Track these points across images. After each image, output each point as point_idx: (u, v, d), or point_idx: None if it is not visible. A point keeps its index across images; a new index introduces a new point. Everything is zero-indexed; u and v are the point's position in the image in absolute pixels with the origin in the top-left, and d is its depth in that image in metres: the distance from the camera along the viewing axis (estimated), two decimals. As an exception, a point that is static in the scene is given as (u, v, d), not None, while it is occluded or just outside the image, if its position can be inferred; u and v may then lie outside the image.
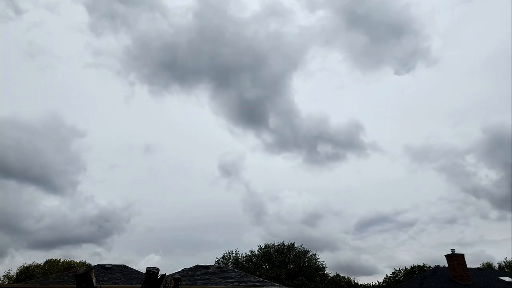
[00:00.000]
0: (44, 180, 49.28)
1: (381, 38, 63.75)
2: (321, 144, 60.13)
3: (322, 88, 74.52)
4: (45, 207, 50.42)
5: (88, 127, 66.74)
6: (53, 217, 50.23)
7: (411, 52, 64.58)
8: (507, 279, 24.87)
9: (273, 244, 41.20)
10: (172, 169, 64.04)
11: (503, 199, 52.36)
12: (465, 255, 24.03)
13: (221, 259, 41.24)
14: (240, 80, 53.42)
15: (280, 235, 55.04)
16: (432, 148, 64.59)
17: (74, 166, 52.11)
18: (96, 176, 59.54)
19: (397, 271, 42.57)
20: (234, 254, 41.74)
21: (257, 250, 41.26)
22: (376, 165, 65.78)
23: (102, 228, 49.12)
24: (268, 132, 59.13)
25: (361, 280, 31.81)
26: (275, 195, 60.07)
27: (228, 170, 60.51)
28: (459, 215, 61.04)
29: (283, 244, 41.00)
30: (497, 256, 61.47)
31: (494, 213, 62.01)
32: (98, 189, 59.27)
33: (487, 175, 63.87)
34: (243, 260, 40.79)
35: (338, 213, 59.44)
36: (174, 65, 53.92)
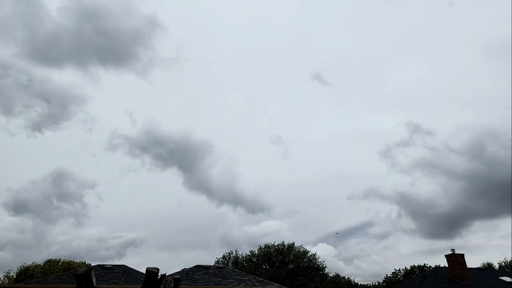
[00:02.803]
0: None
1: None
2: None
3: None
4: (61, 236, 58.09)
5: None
6: (68, 242, 57.53)
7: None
8: (507, 279, 24.87)
9: (273, 244, 41.21)
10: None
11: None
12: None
13: (221, 259, 41.24)
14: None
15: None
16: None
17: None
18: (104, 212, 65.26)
19: (397, 271, 42.56)
20: (234, 254, 41.77)
21: (257, 250, 41.26)
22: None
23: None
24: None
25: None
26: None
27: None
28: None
29: (283, 244, 40.98)
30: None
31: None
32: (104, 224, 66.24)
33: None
34: (243, 260, 40.76)
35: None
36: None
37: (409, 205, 56.51)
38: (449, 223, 52.38)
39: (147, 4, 72.37)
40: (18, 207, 54.99)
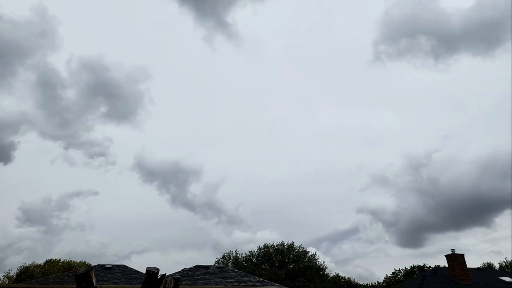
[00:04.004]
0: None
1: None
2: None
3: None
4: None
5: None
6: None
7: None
8: (507, 279, 24.87)
9: (272, 245, 41.17)
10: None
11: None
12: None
13: (221, 259, 41.24)
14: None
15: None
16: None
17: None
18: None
19: (397, 271, 42.55)
20: (234, 254, 41.75)
21: (257, 250, 41.24)
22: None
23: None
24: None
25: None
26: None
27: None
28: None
29: (282, 244, 40.92)
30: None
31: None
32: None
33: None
34: (243, 260, 40.74)
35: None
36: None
37: (380, 216, 61.67)
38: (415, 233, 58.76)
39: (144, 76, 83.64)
40: (29, 219, 62.92)
